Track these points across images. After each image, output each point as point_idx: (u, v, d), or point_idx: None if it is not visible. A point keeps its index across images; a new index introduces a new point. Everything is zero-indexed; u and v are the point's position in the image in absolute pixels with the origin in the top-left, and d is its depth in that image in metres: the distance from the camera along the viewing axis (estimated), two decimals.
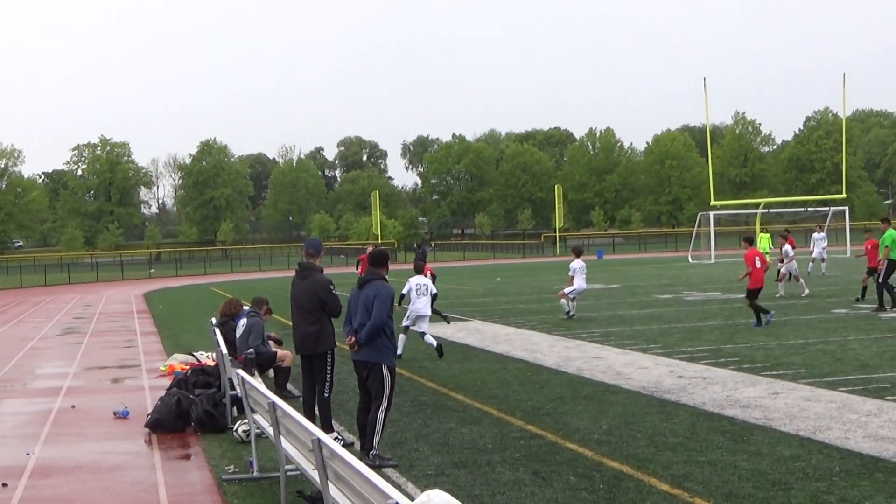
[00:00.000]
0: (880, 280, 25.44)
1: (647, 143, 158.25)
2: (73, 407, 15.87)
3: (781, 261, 36.04)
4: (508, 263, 79.30)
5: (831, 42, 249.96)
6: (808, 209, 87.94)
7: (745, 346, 19.28)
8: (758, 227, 71.19)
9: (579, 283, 26.42)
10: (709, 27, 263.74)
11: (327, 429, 11.72)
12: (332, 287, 12.23)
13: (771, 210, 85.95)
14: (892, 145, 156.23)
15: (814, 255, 42.55)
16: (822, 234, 44.00)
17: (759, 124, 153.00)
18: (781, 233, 36.22)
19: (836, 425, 11.69)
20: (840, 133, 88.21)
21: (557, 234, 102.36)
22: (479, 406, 13.99)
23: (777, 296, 30.29)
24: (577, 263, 26.63)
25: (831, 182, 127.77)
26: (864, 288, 28.01)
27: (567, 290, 26.73)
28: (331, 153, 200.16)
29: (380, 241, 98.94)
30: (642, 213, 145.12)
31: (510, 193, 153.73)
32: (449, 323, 26.68)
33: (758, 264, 23.24)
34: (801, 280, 32.07)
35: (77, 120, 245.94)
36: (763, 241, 58.93)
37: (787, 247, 32.10)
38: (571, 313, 26.35)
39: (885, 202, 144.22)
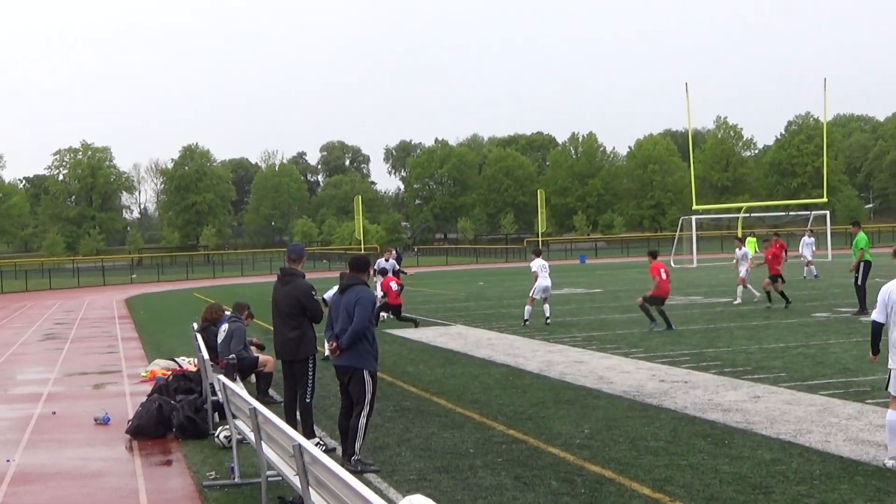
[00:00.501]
0: (859, 283, 25.56)
1: (630, 147, 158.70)
2: (54, 413, 15.80)
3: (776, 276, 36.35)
4: (491, 268, 79.29)
5: (812, 47, 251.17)
6: (790, 213, 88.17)
7: (726, 350, 19.34)
8: (739, 231, 71.49)
9: (542, 280, 26.40)
10: (691, 32, 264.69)
11: (309, 434, 11.71)
12: (313, 292, 12.23)
13: (753, 214, 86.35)
14: (873, 150, 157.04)
15: (806, 258, 43.00)
16: (812, 239, 44.58)
17: (741, 129, 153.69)
18: (769, 236, 36.53)
19: (817, 429, 11.74)
20: (821, 137, 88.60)
21: (540, 239, 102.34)
22: (462, 411, 13.99)
23: (735, 303, 30.44)
24: (537, 262, 26.78)
25: (812, 186, 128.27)
26: (769, 293, 28.43)
27: (533, 291, 26.68)
28: (313, 158, 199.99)
29: (362, 247, 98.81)
30: (625, 218, 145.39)
31: (493, 198, 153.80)
32: (417, 326, 26.93)
33: (662, 275, 23.99)
34: (749, 287, 31.85)
35: (58, 124, 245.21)
36: (750, 245, 59.29)
37: (745, 249, 32.55)
38: (548, 320, 26.20)
39: (866, 206, 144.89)
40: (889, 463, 9.82)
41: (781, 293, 28.34)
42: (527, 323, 26.07)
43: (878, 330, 10.37)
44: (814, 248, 43.74)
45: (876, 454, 10.35)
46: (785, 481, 9.47)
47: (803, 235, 46.90)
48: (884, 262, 25.97)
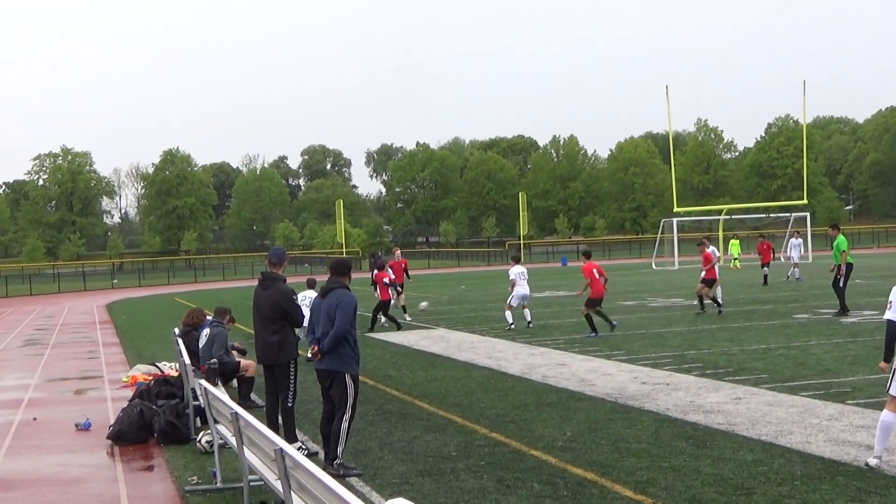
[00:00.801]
0: (841, 284, 25.69)
1: (611, 150, 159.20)
2: (35, 419, 15.72)
3: (767, 263, 36.76)
4: (473, 271, 79.34)
5: (792, 50, 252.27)
6: (770, 215, 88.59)
7: (708, 352, 19.39)
8: (720, 233, 71.76)
9: (520, 289, 26.38)
10: (671, 35, 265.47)
11: (291, 438, 11.69)
12: (294, 296, 12.22)
13: (733, 216, 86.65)
14: (852, 152, 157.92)
15: (793, 259, 43.34)
16: (800, 241, 44.97)
17: (722, 131, 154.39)
18: (758, 239, 36.96)
19: (798, 430, 11.79)
20: (801, 140, 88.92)
21: (522, 242, 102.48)
22: (444, 414, 13.98)
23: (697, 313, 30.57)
24: (516, 269, 26.70)
25: (792, 188, 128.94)
26: (701, 298, 28.11)
27: (510, 298, 26.70)
28: (295, 162, 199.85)
29: (344, 251, 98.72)
30: (606, 220, 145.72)
31: (474, 201, 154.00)
32: (399, 329, 27.18)
33: (596, 276, 23.82)
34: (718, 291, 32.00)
35: (38, 129, 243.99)
36: (733, 248, 59.78)
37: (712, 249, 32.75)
38: (530, 324, 26.22)
39: (846, 208, 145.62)
40: (872, 462, 9.85)
41: (713, 298, 27.90)
42: (512, 326, 26.02)
43: (894, 330, 9.94)
44: (802, 251, 44.09)
45: (857, 454, 10.39)
46: (766, 482, 9.50)
47: (791, 237, 47.33)
48: (862, 263, 26.22)
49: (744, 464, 10.26)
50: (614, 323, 24.02)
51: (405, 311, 30.95)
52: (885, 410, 9.86)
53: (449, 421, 13.46)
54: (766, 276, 40.28)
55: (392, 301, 28.59)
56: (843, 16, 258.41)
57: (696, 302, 29.27)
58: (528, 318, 26.28)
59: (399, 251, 34.73)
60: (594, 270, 23.93)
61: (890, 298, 10.05)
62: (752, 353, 19.07)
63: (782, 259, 44.32)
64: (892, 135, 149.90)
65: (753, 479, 9.65)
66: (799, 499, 8.88)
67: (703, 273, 28.05)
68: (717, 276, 28.28)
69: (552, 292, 41.61)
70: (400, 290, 30.89)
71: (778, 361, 17.68)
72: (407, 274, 33.23)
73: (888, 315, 10.01)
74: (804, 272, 43.58)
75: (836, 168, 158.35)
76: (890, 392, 9.82)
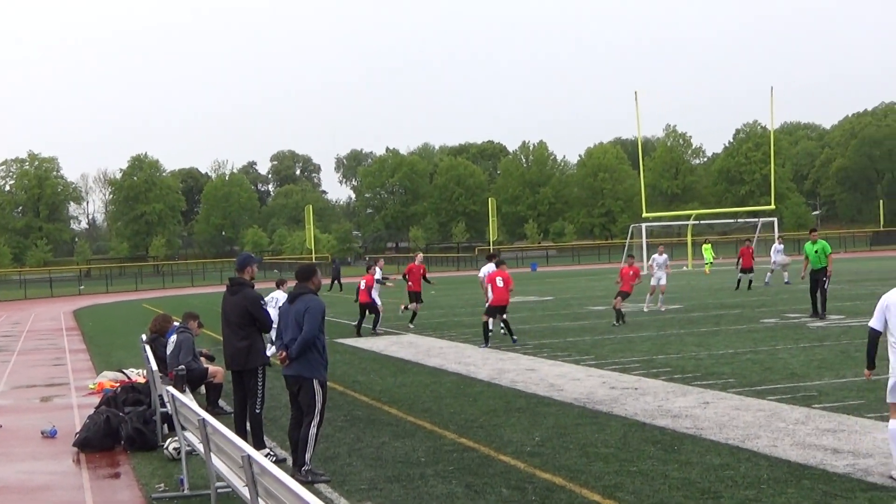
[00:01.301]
0: (825, 287, 26.21)
1: (580, 155, 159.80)
2: (0, 426, 15.58)
3: (749, 268, 37.11)
4: (442, 276, 79.32)
5: (760, 56, 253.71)
6: (738, 220, 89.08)
7: (676, 357, 19.47)
8: (689, 238, 72.14)
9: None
10: (640, 40, 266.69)
11: (259, 445, 11.64)
12: (262, 302, 12.18)
13: (702, 221, 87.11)
14: (819, 157, 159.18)
15: (778, 264, 43.73)
16: (782, 246, 45.45)
17: (690, 137, 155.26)
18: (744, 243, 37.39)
19: (765, 433, 11.85)
20: (768, 145, 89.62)
21: (491, 247, 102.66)
22: (413, 420, 13.97)
23: (660, 308, 30.86)
24: (489, 267, 26.58)
25: (760, 193, 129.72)
26: (619, 311, 27.64)
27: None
28: (264, 167, 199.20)
29: (313, 256, 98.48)
30: (575, 226, 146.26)
31: (444, 207, 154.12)
32: (369, 336, 27.12)
33: (498, 284, 23.62)
34: (659, 297, 32.23)
35: (4, 134, 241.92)
36: (706, 252, 60.18)
37: (665, 256, 33.06)
38: (502, 329, 26.09)
39: (814, 213, 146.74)
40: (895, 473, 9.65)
41: (619, 311, 27.54)
42: (491, 333, 25.66)
43: (874, 339, 9.87)
44: (785, 256, 44.49)
45: (823, 458, 10.45)
46: (733, 486, 9.54)
47: (774, 243, 47.89)
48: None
49: (711, 468, 10.30)
50: (515, 339, 23.65)
51: (412, 321, 30.01)
52: (891, 420, 9.64)
53: (418, 426, 13.44)
54: (749, 281, 40.42)
55: (377, 305, 28.17)
56: (811, 22, 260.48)
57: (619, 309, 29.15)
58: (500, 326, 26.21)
59: (421, 255, 34.00)
60: (497, 278, 23.73)
61: (877, 307, 9.85)
62: (721, 357, 19.16)
63: (773, 265, 44.58)
64: (859, 141, 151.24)
65: (720, 482, 9.69)
66: (765, 502, 8.92)
67: (621, 285, 28.04)
68: (631, 290, 28.20)
69: (522, 297, 41.63)
70: (417, 297, 30.24)
71: (745, 366, 17.77)
72: (426, 279, 31.61)
73: (870, 323, 9.90)
74: (777, 277, 43.79)
75: (804, 173, 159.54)
76: (889, 400, 9.70)
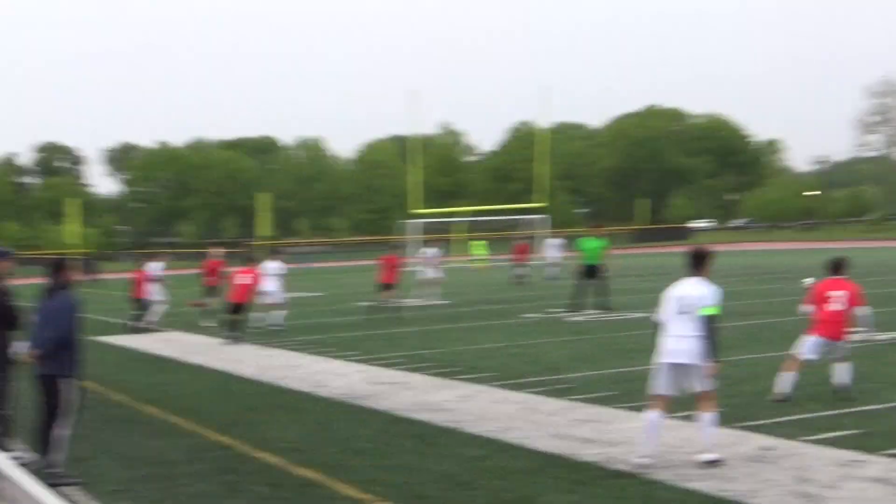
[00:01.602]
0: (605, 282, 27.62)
1: (357, 151, 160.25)
2: None
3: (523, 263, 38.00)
4: None
5: (534, 56, 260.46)
6: (510, 217, 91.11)
7: (441, 352, 19.72)
8: (464, 235, 73.45)
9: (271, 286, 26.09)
10: (417, 38, 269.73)
11: (2, 447, 11.08)
12: (9, 297, 11.60)
13: (475, 218, 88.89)
14: (588, 157, 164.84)
15: (548, 260, 44.96)
16: (558, 242, 46.77)
17: (465, 135, 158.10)
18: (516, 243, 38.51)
19: (522, 425, 12.14)
20: (539, 144, 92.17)
21: (260, 243, 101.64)
22: (171, 419, 13.62)
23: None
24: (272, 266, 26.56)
25: (531, 191, 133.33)
26: (386, 305, 28.46)
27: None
28: (26, 158, 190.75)
29: (77, 251, 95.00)
30: (350, 222, 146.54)
31: (216, 201, 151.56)
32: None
33: (239, 281, 23.84)
34: (428, 291, 33.07)
35: None
36: (480, 248, 61.39)
37: (435, 250, 34.00)
38: (271, 326, 25.77)
39: (581, 210, 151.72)
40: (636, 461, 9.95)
41: (386, 305, 28.57)
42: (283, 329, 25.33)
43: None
44: (561, 250, 45.93)
45: (575, 447, 10.78)
46: (488, 476, 9.72)
47: (547, 238, 49.50)
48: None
49: (467, 459, 10.47)
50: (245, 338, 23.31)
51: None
52: (649, 410, 10.05)
53: (175, 426, 13.12)
54: (521, 276, 41.54)
55: (153, 301, 27.26)
56: (582, 25, 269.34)
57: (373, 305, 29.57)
58: (270, 322, 25.96)
59: (219, 250, 32.03)
60: (239, 275, 23.86)
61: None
62: (485, 351, 19.54)
63: (547, 261, 45.83)
64: (627, 142, 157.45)
65: (476, 473, 9.87)
66: (516, 492, 9.14)
67: (382, 277, 28.66)
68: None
69: (292, 293, 41.25)
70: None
71: (507, 360, 18.18)
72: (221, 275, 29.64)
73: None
74: (536, 274, 45.04)
75: (573, 172, 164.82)
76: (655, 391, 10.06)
